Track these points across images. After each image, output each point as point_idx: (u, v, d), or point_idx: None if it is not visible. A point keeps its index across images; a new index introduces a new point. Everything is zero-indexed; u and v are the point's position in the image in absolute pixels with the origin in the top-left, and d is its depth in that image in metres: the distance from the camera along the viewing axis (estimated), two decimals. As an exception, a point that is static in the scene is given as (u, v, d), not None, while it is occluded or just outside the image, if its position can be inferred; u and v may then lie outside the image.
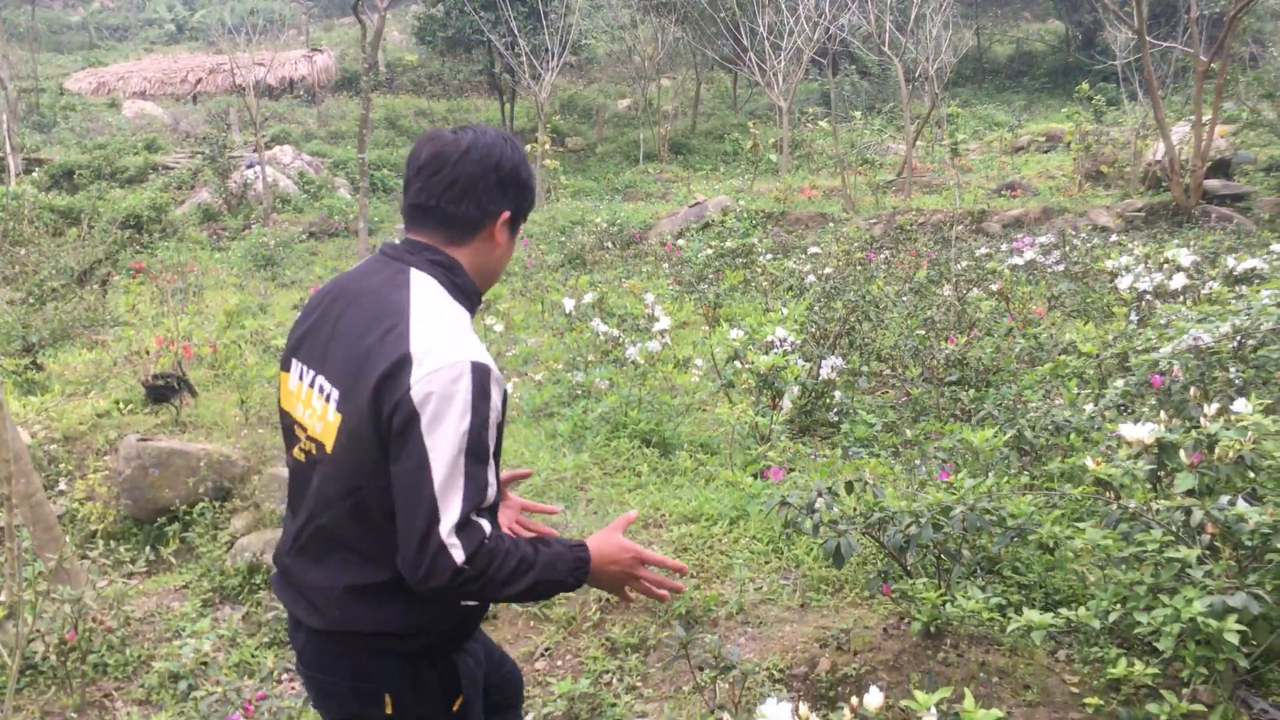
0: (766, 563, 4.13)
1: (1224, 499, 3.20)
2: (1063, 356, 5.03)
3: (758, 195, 20.86)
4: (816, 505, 3.25)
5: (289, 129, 29.09)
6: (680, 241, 16.64)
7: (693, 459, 5.29)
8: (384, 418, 1.94)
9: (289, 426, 2.20)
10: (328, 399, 2.06)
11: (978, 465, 4.11)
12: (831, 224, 17.18)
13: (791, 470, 5.20)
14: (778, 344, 6.08)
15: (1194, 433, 3.43)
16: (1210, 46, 17.03)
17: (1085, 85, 20.93)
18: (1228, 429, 3.45)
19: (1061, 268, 11.03)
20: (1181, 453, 3.36)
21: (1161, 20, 25.53)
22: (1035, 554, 3.49)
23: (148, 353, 7.88)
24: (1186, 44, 18.85)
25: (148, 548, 5.88)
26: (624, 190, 25.75)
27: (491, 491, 1.99)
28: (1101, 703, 2.87)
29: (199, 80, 34.27)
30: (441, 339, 1.98)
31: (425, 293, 2.07)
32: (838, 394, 6.02)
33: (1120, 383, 4.31)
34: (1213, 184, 15.48)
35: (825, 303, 7.55)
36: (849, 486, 3.38)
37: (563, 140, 31.15)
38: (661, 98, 31.60)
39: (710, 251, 13.67)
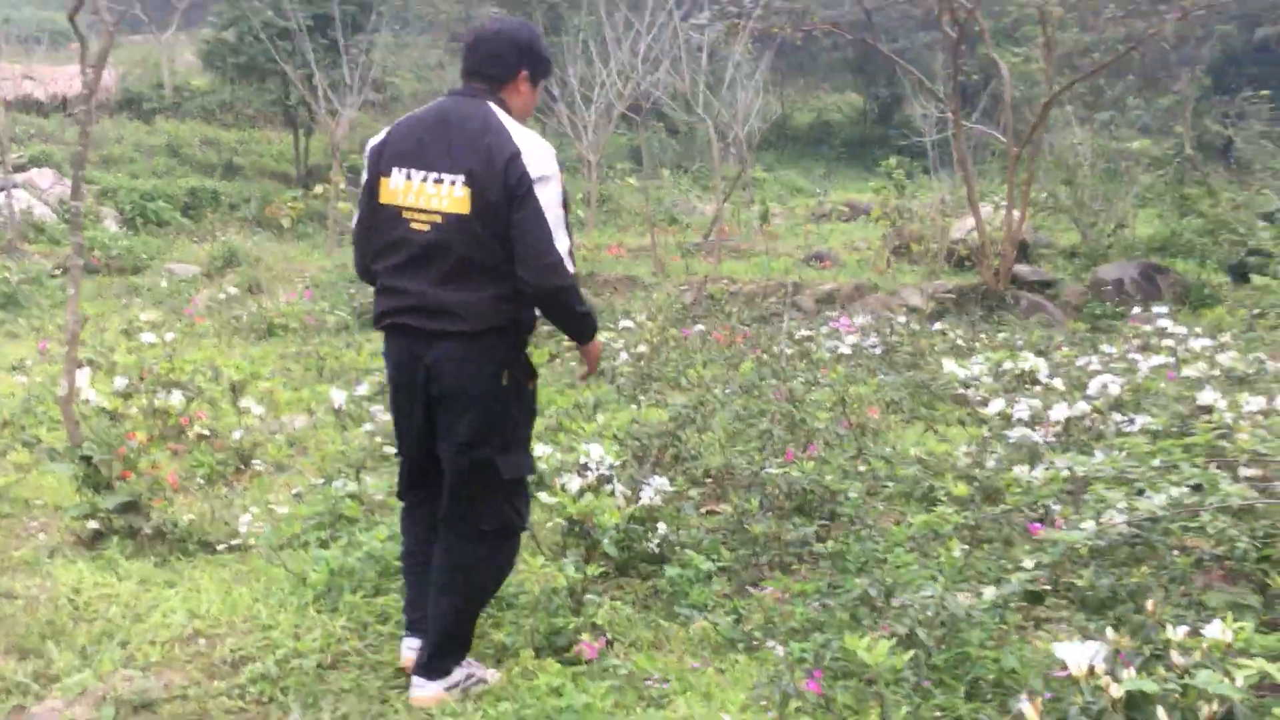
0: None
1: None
2: (938, 510, 4.13)
3: (564, 253, 19.91)
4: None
5: (51, 150, 26.30)
6: (481, 302, 15.39)
7: (483, 639, 4.02)
8: (509, 186, 3.21)
9: (393, 215, 3.35)
10: (452, 184, 3.26)
11: (862, 684, 3.10)
12: (641, 291, 16.34)
13: (611, 642, 4.11)
14: (592, 467, 5.00)
15: (1167, 678, 2.55)
16: (1015, 127, 17.15)
17: (892, 161, 20.97)
18: (1206, 665, 2.59)
19: (879, 351, 10.47)
20: (1160, 710, 2.46)
21: (965, 99, 26.16)
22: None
23: None
24: (993, 127, 19.10)
25: None
26: (423, 238, 24.34)
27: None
28: None
29: (-47, 91, 30.84)
30: (532, 138, 3.33)
31: (503, 116, 3.36)
32: (661, 526, 4.97)
33: (1030, 563, 3.43)
34: (1022, 269, 15.45)
35: (642, 401, 6.56)
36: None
37: (360, 180, 29.52)
38: (467, 142, 30.41)
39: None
